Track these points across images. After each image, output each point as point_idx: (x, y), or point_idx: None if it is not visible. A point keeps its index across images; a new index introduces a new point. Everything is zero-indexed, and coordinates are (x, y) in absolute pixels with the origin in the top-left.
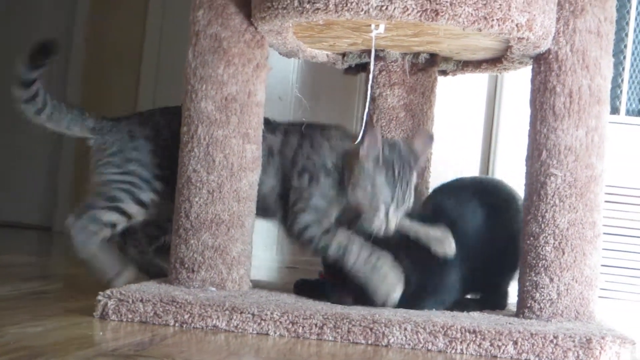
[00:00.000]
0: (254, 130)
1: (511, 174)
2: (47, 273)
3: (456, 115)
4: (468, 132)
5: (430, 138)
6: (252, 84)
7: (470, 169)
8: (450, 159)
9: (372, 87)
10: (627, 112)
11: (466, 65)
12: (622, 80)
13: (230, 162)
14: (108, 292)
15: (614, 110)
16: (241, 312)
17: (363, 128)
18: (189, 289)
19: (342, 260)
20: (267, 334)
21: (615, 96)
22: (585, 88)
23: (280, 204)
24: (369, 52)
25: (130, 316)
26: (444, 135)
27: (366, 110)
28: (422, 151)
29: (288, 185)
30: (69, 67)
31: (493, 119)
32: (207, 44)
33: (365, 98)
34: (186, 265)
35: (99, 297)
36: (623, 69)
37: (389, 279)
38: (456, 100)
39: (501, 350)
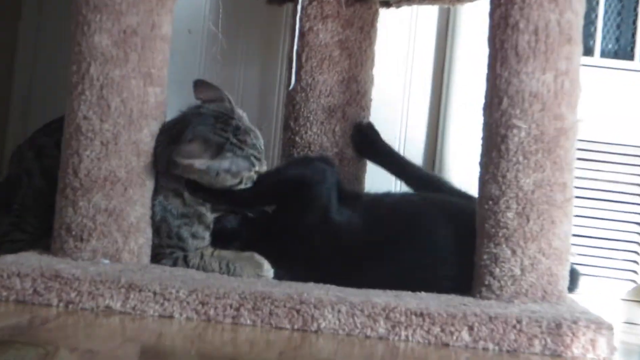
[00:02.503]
0: (158, 70)
1: (466, 126)
2: None
3: (400, 56)
4: (415, 76)
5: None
6: (156, 15)
7: (417, 120)
8: (394, 108)
9: (301, 19)
10: (603, 54)
11: None
12: (595, 16)
13: (129, 108)
14: None
15: (587, 51)
16: (140, 290)
17: (294, 71)
18: (76, 262)
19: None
20: (172, 317)
21: (588, 35)
22: (553, 24)
23: None
24: None
25: (5, 294)
26: (386, 78)
27: (295, 47)
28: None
29: None
30: None
31: (444, 60)
32: None
33: (293, 33)
34: (74, 233)
35: None
36: (597, 3)
37: (250, 266)
38: (401, 37)
39: (454, 337)
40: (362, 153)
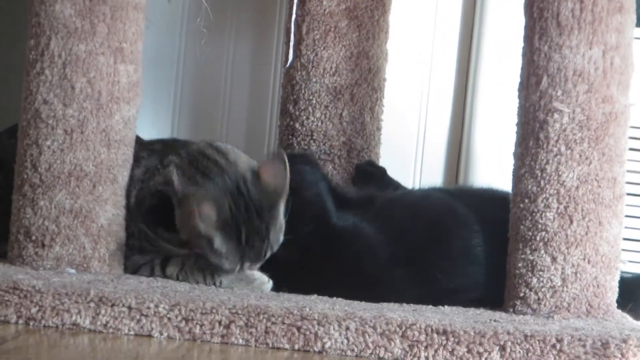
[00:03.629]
0: (131, 44)
1: (497, 109)
2: None
3: (420, 26)
4: (437, 50)
5: (282, 163)
6: None
7: (440, 101)
8: (412, 89)
9: None
10: None
11: None
12: None
13: (97, 90)
14: None
15: None
16: (112, 305)
17: (292, 45)
18: (37, 271)
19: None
20: (150, 336)
21: None
22: None
23: None
24: None
25: None
26: (403, 54)
27: (294, 16)
28: (274, 186)
29: None
30: None
31: (472, 31)
32: None
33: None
34: (33, 238)
35: None
36: None
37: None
38: (420, 4)
39: (483, 358)
40: None
